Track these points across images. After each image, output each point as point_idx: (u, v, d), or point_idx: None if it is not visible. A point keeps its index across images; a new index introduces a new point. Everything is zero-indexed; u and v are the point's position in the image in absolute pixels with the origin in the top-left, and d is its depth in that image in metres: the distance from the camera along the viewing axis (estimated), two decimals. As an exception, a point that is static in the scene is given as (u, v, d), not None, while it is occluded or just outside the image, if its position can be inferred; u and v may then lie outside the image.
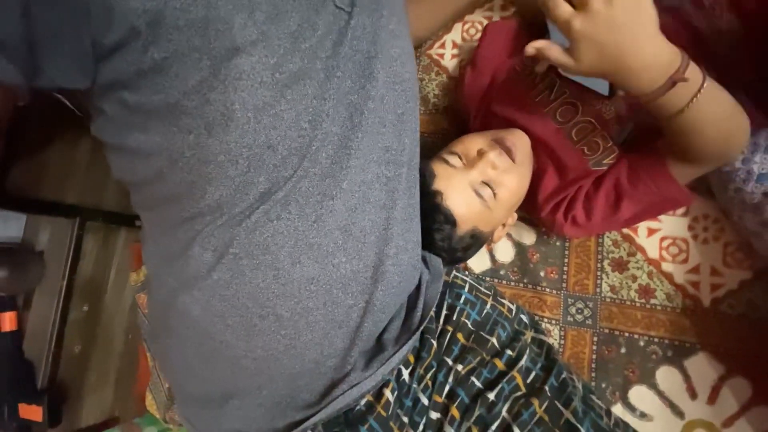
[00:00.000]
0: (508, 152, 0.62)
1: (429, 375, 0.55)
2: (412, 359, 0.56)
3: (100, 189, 1.06)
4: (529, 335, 0.61)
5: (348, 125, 0.48)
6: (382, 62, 0.50)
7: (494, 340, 0.58)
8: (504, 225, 0.69)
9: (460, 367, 0.55)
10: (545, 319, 0.72)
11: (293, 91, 0.45)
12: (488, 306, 0.62)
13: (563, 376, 0.56)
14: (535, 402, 0.52)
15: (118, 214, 1.06)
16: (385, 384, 0.53)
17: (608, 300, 0.70)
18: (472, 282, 0.65)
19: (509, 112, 0.68)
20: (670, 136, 0.54)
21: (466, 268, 0.79)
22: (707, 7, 0.60)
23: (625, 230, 0.71)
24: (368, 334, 0.51)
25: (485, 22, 0.83)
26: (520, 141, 0.64)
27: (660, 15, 0.59)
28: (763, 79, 0.60)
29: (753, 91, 0.60)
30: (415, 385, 0.54)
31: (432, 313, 0.58)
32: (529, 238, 0.76)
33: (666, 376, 0.65)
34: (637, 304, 0.68)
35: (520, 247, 0.77)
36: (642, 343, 0.67)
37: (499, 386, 0.53)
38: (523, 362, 0.56)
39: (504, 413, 0.52)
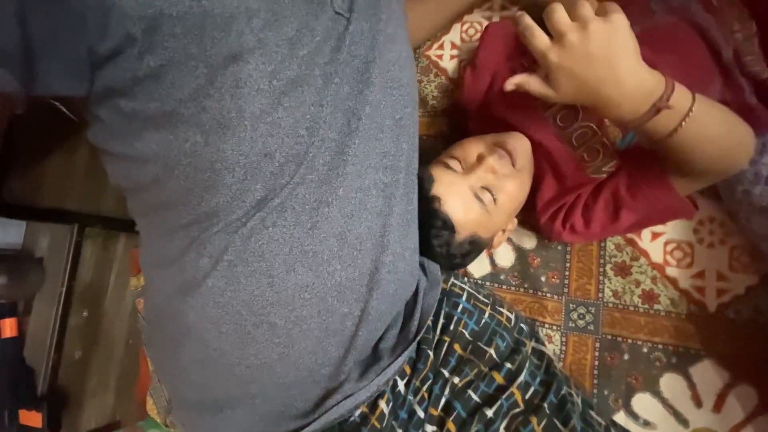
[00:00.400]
0: (509, 156, 0.61)
1: (425, 387, 0.54)
2: (408, 370, 0.55)
3: (99, 195, 1.07)
4: (529, 346, 0.60)
5: (345, 131, 0.48)
6: (380, 67, 0.50)
7: (492, 351, 0.57)
8: (504, 230, 0.68)
9: (456, 380, 0.55)
10: (546, 325, 0.71)
11: (291, 98, 0.45)
12: (486, 315, 0.61)
13: (563, 391, 0.55)
14: (534, 420, 0.52)
15: (117, 219, 1.06)
16: (380, 395, 0.52)
17: (611, 305, 0.69)
18: (470, 290, 0.64)
19: (509, 115, 0.68)
20: (667, 154, 0.53)
21: (466, 274, 0.78)
22: (716, 7, 0.59)
23: (628, 234, 0.70)
24: (363, 342, 0.51)
25: (484, 22, 0.83)
26: (520, 145, 0.63)
27: (667, 15, 0.58)
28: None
29: (763, 90, 0.58)
30: (410, 397, 0.54)
31: (429, 322, 0.58)
32: (529, 242, 0.75)
33: (670, 383, 0.64)
34: (641, 310, 0.67)
35: (520, 252, 0.76)
36: (645, 350, 0.66)
37: (498, 403, 0.52)
38: (522, 377, 0.55)
39: (502, 430, 0.52)
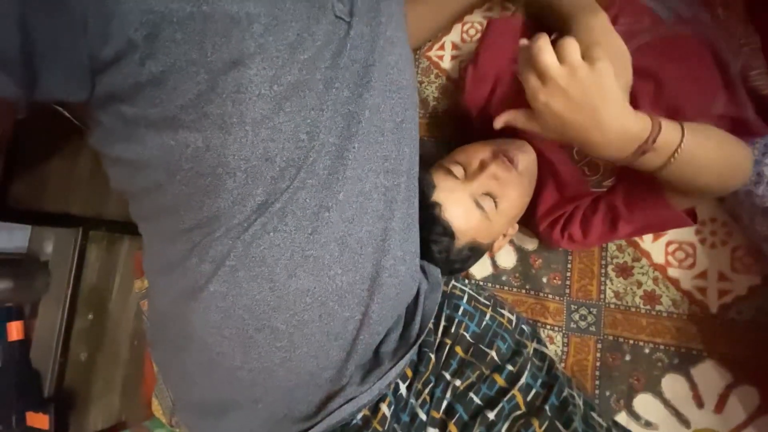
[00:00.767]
0: (512, 163, 0.62)
1: (427, 390, 0.55)
2: (409, 373, 0.56)
3: (103, 199, 1.08)
4: (531, 347, 0.60)
5: (345, 135, 0.48)
6: (380, 70, 0.50)
7: (493, 354, 0.57)
8: (504, 235, 0.68)
9: (458, 383, 0.55)
10: (548, 326, 0.72)
11: (292, 103, 0.45)
12: (487, 317, 0.61)
13: (564, 393, 0.55)
14: (535, 422, 0.52)
15: (121, 222, 1.07)
16: (382, 398, 0.53)
17: (612, 306, 0.69)
18: (471, 292, 0.65)
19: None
20: (662, 180, 0.53)
21: (467, 275, 0.79)
22: (722, 18, 0.59)
23: (629, 236, 0.70)
24: (365, 346, 0.51)
25: (485, 22, 0.82)
26: (524, 153, 0.63)
27: (676, 25, 0.59)
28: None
29: (762, 104, 0.58)
30: (412, 400, 0.54)
31: (430, 325, 0.58)
32: (531, 243, 0.76)
33: (672, 384, 0.64)
34: (642, 311, 0.68)
35: (522, 253, 0.76)
36: (647, 351, 0.66)
37: (500, 405, 0.53)
38: (523, 379, 0.55)
39: None
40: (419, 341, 0.56)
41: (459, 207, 0.60)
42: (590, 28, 0.54)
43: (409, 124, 0.55)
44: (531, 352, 0.60)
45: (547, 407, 0.53)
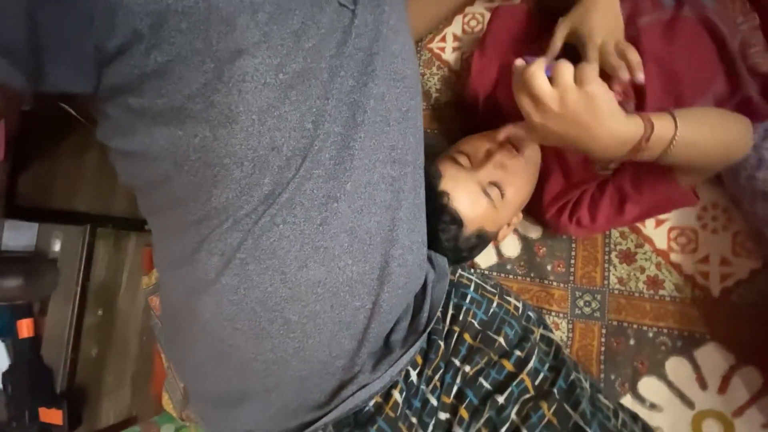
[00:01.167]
0: (518, 150, 0.63)
1: (437, 376, 0.56)
2: (419, 360, 0.57)
3: (109, 195, 1.09)
4: (538, 333, 0.62)
5: (351, 124, 0.48)
6: (384, 59, 0.51)
7: (501, 340, 0.59)
8: (509, 224, 0.70)
9: (467, 368, 0.56)
10: (553, 313, 0.73)
11: (297, 91, 0.45)
12: (494, 305, 0.63)
13: (572, 377, 0.56)
14: (544, 405, 0.53)
15: (128, 219, 1.08)
16: (394, 385, 0.54)
17: (616, 292, 0.71)
18: (477, 281, 0.66)
19: (517, 110, 0.68)
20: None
21: (473, 264, 0.80)
22: (728, 9, 0.60)
23: (632, 222, 0.71)
24: (376, 335, 0.52)
25: (486, 13, 0.83)
26: (528, 141, 0.64)
27: (677, 7, 0.60)
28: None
29: (764, 81, 0.59)
30: (423, 387, 0.55)
31: (438, 313, 0.59)
32: (535, 232, 0.77)
33: (676, 366, 0.66)
34: (646, 296, 0.69)
35: (526, 242, 0.77)
36: (651, 335, 0.68)
37: (509, 389, 0.54)
38: (531, 364, 0.57)
39: (513, 416, 0.53)
40: (428, 329, 0.57)
41: (466, 195, 0.62)
42: None
43: (414, 113, 0.55)
44: (538, 337, 0.61)
45: (555, 390, 0.54)
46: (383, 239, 0.51)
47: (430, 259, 0.63)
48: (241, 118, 0.43)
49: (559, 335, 0.72)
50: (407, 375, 0.56)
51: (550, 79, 0.48)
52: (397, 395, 0.54)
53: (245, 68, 0.42)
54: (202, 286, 0.48)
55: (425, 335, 0.56)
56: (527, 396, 0.55)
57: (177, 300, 0.52)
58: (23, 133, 0.93)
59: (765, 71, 0.59)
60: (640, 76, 0.53)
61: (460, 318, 0.61)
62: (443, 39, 0.87)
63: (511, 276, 0.78)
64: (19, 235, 0.94)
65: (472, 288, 0.64)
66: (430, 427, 0.53)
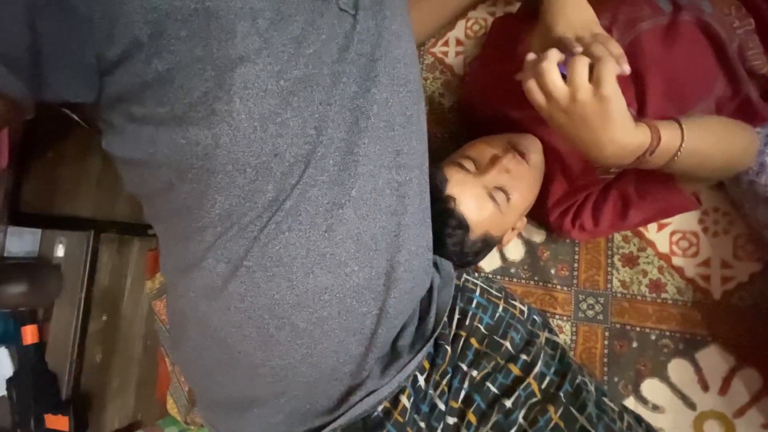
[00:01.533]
0: (523, 157, 0.64)
1: (445, 381, 0.57)
2: (427, 365, 0.58)
3: (112, 201, 1.10)
4: (543, 337, 0.63)
5: (354, 130, 0.49)
6: (386, 65, 0.51)
7: (508, 344, 0.60)
8: (513, 228, 0.71)
9: (475, 373, 0.57)
10: (557, 316, 0.75)
11: (299, 98, 0.45)
12: (500, 309, 0.64)
13: (577, 380, 0.58)
14: (551, 408, 0.54)
15: (131, 224, 1.09)
16: (402, 390, 0.55)
17: (619, 295, 0.72)
18: (482, 285, 0.67)
19: (518, 114, 0.69)
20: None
21: (477, 268, 0.81)
22: (716, 3, 0.61)
23: (634, 226, 0.72)
24: (383, 340, 0.53)
25: (489, 18, 0.84)
26: (534, 146, 0.65)
27: (675, 11, 0.60)
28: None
29: (764, 83, 0.61)
30: (431, 391, 0.56)
31: (445, 318, 0.60)
32: (538, 236, 0.78)
33: (678, 368, 0.68)
34: (648, 299, 0.70)
35: (530, 245, 0.78)
36: (653, 337, 0.69)
37: (516, 393, 0.55)
38: (537, 368, 0.58)
39: (520, 420, 0.54)
40: (435, 334, 0.57)
41: (473, 200, 0.63)
42: None
43: (418, 117, 0.55)
44: (543, 341, 0.62)
45: (561, 394, 0.56)
46: (389, 245, 0.51)
47: (435, 264, 0.64)
48: (243, 125, 0.43)
49: (563, 338, 0.74)
50: (415, 380, 0.57)
51: (564, 77, 0.47)
52: (405, 400, 0.54)
53: (246, 75, 0.43)
54: (210, 293, 0.49)
55: (432, 340, 0.57)
56: (534, 400, 0.56)
57: (184, 306, 0.52)
58: (26, 139, 0.93)
59: (763, 73, 0.60)
60: (626, 68, 0.49)
61: (467, 322, 0.62)
62: (446, 43, 0.88)
63: (514, 279, 0.79)
64: (22, 242, 0.95)
65: (477, 292, 0.65)
66: (438, 431, 0.54)
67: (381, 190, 0.50)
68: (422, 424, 0.54)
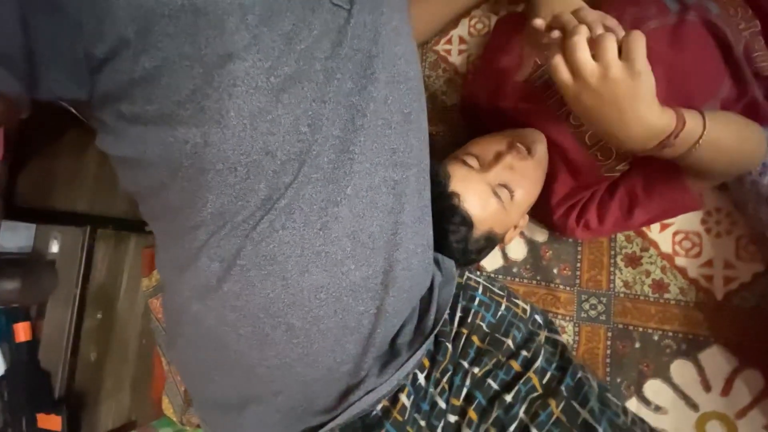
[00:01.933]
0: (528, 151, 0.64)
1: (445, 378, 0.57)
2: (426, 363, 0.58)
3: (109, 196, 1.09)
4: (542, 335, 0.63)
5: (350, 128, 0.48)
6: (384, 61, 0.51)
7: (509, 342, 0.60)
8: (516, 226, 0.71)
9: (476, 370, 0.58)
10: (559, 316, 0.75)
11: (290, 94, 0.45)
12: (503, 307, 0.64)
13: (579, 375, 0.58)
14: (552, 402, 0.55)
15: (128, 220, 1.08)
16: (401, 389, 0.55)
17: (622, 295, 0.73)
18: (485, 283, 0.67)
19: (522, 112, 0.70)
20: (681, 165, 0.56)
21: (479, 267, 0.81)
22: (723, 3, 0.62)
23: (637, 227, 0.73)
24: (381, 339, 0.53)
25: (492, 16, 0.85)
26: (539, 142, 0.66)
27: (682, 12, 0.61)
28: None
29: None
30: (431, 389, 0.56)
31: (446, 315, 0.60)
32: (541, 235, 0.79)
33: (680, 369, 0.68)
34: (651, 299, 0.71)
35: (532, 245, 0.79)
36: (656, 338, 0.70)
37: (516, 388, 0.55)
38: (538, 363, 0.58)
39: (521, 414, 0.54)
40: (435, 332, 0.58)
41: (476, 196, 0.63)
42: None
43: (417, 115, 0.55)
44: (543, 340, 0.63)
45: (563, 388, 0.56)
46: (386, 243, 0.51)
47: (437, 262, 0.64)
48: (233, 123, 0.43)
49: (565, 338, 0.74)
50: (415, 378, 0.57)
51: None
52: (404, 399, 0.55)
53: (235, 72, 0.43)
54: (205, 292, 0.49)
55: (432, 338, 0.57)
56: (535, 394, 0.56)
57: (180, 304, 0.52)
58: (23, 132, 0.92)
59: None
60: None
61: (468, 320, 0.62)
62: (449, 41, 0.88)
63: (517, 279, 0.79)
64: (16, 237, 0.94)
65: (480, 291, 0.65)
66: (439, 430, 0.55)
67: (377, 188, 0.50)
68: (422, 423, 0.55)
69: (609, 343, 0.72)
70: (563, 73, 0.47)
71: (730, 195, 0.69)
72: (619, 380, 0.70)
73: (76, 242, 0.89)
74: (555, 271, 0.77)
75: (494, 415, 0.54)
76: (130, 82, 0.42)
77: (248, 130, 0.44)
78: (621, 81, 0.45)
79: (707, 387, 0.66)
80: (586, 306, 0.74)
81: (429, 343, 0.57)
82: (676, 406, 0.67)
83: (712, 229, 0.70)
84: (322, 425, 0.52)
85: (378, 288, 0.51)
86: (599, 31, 0.47)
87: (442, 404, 0.55)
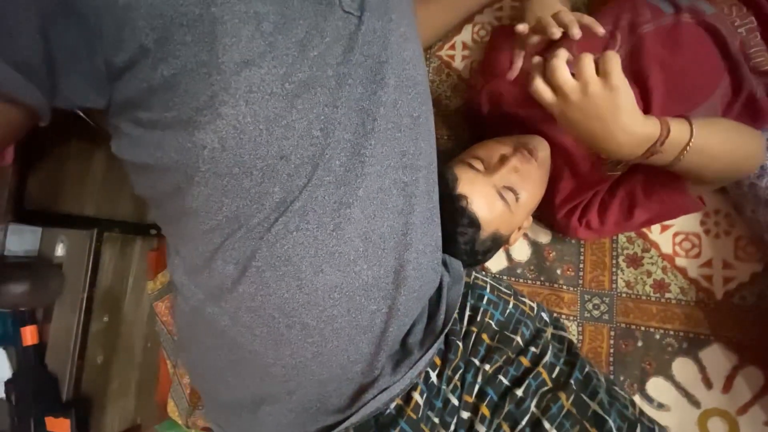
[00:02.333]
0: (532, 154, 0.66)
1: (457, 376, 0.59)
2: (438, 362, 0.60)
3: (116, 200, 1.10)
4: (549, 332, 0.65)
5: (360, 132, 0.50)
6: (394, 67, 0.52)
7: (518, 339, 0.62)
8: (520, 228, 0.73)
9: (487, 367, 0.59)
10: (563, 316, 0.77)
11: (303, 100, 0.47)
12: (511, 305, 0.66)
13: (587, 369, 0.60)
14: (563, 396, 0.57)
15: (134, 224, 1.09)
16: (414, 387, 0.57)
17: (624, 295, 0.74)
18: (492, 282, 0.69)
19: (525, 115, 0.72)
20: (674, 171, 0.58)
21: (483, 268, 0.83)
22: (717, 3, 0.64)
23: (638, 228, 0.75)
24: (393, 338, 0.54)
25: (495, 23, 0.86)
26: (541, 147, 0.68)
27: (677, 13, 0.62)
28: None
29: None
30: (444, 387, 0.58)
31: (455, 314, 0.62)
32: (544, 236, 0.81)
33: (682, 367, 0.70)
34: (652, 299, 0.73)
35: (536, 246, 0.81)
36: (658, 336, 0.72)
37: (526, 382, 0.57)
38: (547, 358, 0.60)
39: (533, 408, 0.56)
40: (446, 330, 0.59)
41: (483, 199, 0.65)
42: None
43: (425, 119, 0.57)
44: (549, 336, 0.65)
45: (572, 381, 0.58)
46: (397, 243, 0.52)
47: (444, 263, 0.66)
48: (249, 128, 0.45)
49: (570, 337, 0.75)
50: (427, 376, 0.58)
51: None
52: (417, 397, 0.56)
53: (251, 79, 0.44)
54: (220, 294, 0.50)
55: (443, 337, 0.59)
56: (545, 388, 0.58)
57: (194, 306, 0.53)
58: (31, 135, 0.93)
59: (767, 70, 0.63)
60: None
61: (478, 319, 0.64)
62: (452, 47, 0.90)
63: (521, 280, 0.81)
64: (22, 240, 0.94)
65: (488, 290, 0.67)
66: (452, 426, 0.56)
67: (388, 190, 0.52)
68: (436, 420, 0.56)
69: (612, 342, 0.74)
70: (545, 92, 0.51)
71: (728, 197, 0.71)
72: (622, 378, 0.72)
73: (82, 246, 0.90)
74: (558, 271, 0.79)
75: (506, 410, 0.55)
76: (149, 89, 0.44)
77: (264, 135, 0.45)
78: (600, 95, 0.49)
79: (708, 384, 0.68)
80: (590, 306, 0.76)
81: (440, 342, 0.58)
82: (679, 403, 0.69)
83: (711, 230, 0.72)
84: (336, 424, 0.53)
85: (389, 287, 0.52)
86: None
87: (455, 401, 0.57)
